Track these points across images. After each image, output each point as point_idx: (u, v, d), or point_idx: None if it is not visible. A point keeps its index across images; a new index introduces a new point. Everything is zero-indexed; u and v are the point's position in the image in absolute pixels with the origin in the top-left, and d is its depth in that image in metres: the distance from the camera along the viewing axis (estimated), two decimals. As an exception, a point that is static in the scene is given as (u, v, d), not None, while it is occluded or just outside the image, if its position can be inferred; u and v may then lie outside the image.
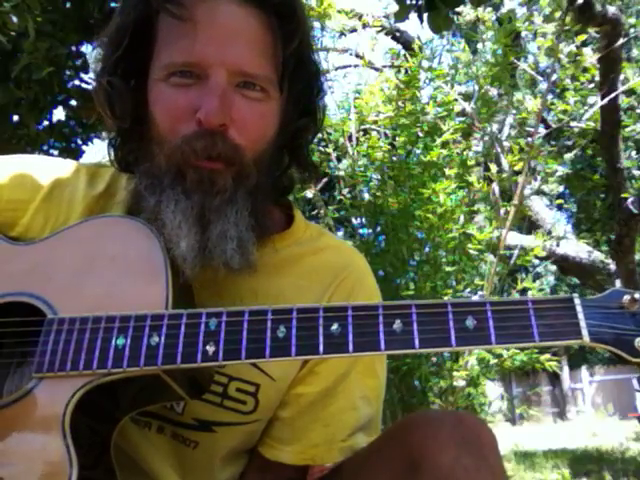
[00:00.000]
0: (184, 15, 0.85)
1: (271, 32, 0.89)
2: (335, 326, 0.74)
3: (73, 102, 3.94)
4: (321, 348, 0.73)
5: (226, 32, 0.86)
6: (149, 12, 0.89)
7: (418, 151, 4.16)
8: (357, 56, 5.46)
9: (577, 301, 0.74)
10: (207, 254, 0.85)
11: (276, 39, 0.89)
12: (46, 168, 1.03)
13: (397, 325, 0.74)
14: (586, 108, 6.07)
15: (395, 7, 2.95)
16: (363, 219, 4.42)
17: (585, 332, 0.72)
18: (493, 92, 5.00)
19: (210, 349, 0.75)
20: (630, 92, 6.06)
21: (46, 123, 4.04)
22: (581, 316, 0.73)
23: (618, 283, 5.28)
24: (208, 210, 0.86)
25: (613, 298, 0.75)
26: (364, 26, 5.69)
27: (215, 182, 0.86)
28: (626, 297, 0.74)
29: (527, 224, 5.71)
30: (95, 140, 4.39)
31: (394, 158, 4.20)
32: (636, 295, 0.73)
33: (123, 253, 0.85)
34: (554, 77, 5.36)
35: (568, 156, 7.47)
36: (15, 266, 0.89)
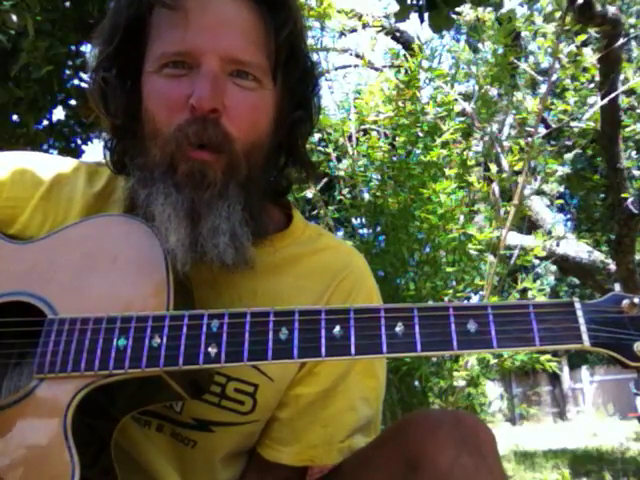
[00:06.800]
0: (176, 4, 0.86)
1: (262, 22, 0.89)
2: (337, 328, 0.74)
3: (72, 101, 3.94)
4: (323, 351, 0.73)
5: (218, 20, 0.87)
6: (142, 11, 0.90)
7: (418, 151, 4.15)
8: (357, 56, 5.44)
9: (577, 305, 0.75)
10: (199, 249, 0.85)
11: (268, 29, 0.89)
12: (46, 165, 1.03)
13: (399, 328, 0.74)
14: (586, 108, 6.07)
15: (395, 7, 2.95)
16: (363, 219, 4.41)
17: (585, 336, 0.73)
18: (493, 92, 4.99)
19: (212, 351, 0.75)
20: (630, 92, 6.06)
21: (46, 122, 4.04)
22: (581, 320, 0.73)
23: (617, 286, 5.27)
24: (198, 204, 0.85)
25: (613, 302, 0.75)
26: (364, 26, 5.68)
27: (205, 175, 0.86)
28: (625, 301, 0.74)
29: (527, 224, 5.70)
30: (95, 140, 4.39)
31: (394, 158, 4.19)
32: (635, 300, 0.74)
33: (124, 253, 0.85)
34: (554, 77, 5.35)
35: (568, 156, 7.47)
36: (14, 265, 0.88)
